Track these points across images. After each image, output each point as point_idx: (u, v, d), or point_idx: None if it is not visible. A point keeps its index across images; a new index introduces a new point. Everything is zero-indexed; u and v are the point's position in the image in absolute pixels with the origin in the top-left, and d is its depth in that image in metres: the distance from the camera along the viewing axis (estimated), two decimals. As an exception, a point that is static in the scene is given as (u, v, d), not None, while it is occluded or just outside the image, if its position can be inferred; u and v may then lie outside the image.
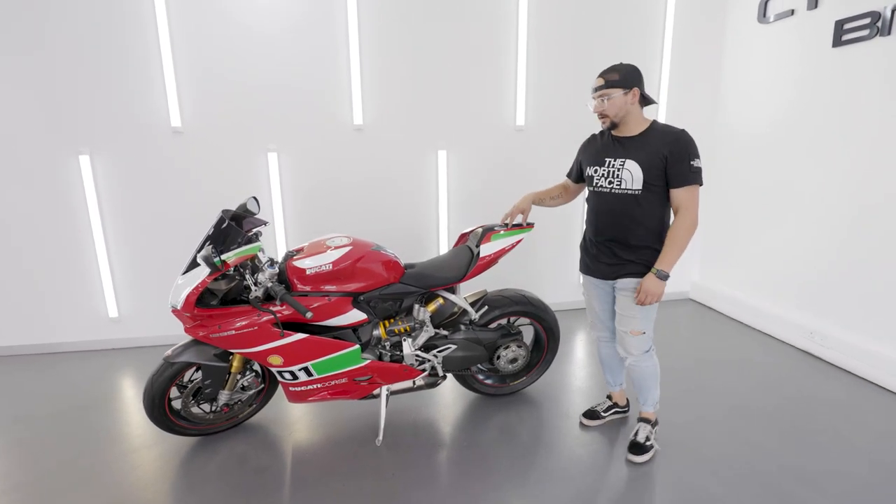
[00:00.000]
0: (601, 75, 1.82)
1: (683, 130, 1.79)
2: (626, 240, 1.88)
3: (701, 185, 1.78)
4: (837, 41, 2.75)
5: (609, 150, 1.89)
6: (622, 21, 3.44)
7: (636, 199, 1.82)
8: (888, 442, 2.15)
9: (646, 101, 1.85)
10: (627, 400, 2.37)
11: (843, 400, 2.50)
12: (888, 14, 2.47)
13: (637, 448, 2.05)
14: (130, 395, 2.65)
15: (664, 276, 1.80)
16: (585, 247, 2.07)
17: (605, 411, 2.32)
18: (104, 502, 1.85)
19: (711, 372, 2.81)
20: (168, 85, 2.94)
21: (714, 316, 3.71)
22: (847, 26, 2.68)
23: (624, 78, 1.79)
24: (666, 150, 1.75)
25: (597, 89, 1.82)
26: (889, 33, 2.49)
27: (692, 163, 1.75)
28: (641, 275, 1.87)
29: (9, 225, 2.97)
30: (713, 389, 2.61)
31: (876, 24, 2.53)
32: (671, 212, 1.87)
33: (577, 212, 3.69)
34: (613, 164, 1.86)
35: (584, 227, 2.09)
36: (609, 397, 2.37)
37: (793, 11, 3.01)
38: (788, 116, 3.10)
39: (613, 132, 1.90)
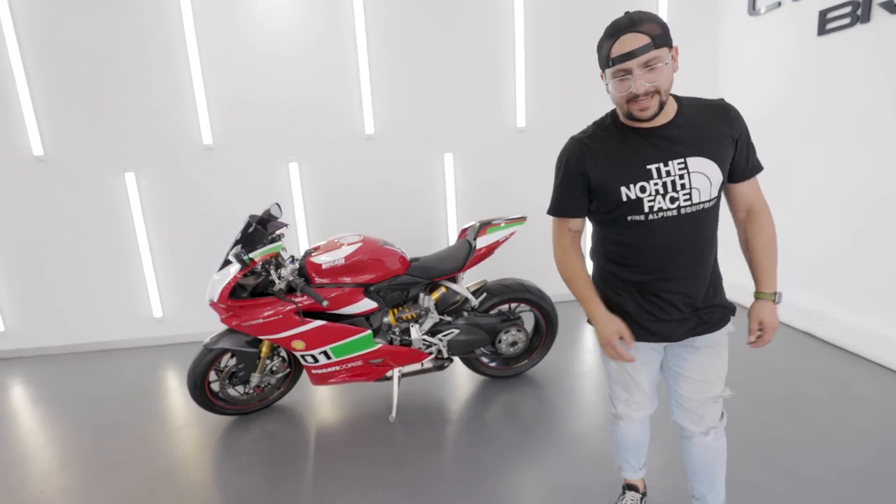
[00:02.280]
0: (635, 28, 1.11)
1: (722, 99, 1.30)
2: (705, 276, 1.31)
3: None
4: (822, 30, 2.84)
5: (649, 152, 1.22)
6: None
7: (709, 213, 1.26)
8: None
9: None
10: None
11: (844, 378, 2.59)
12: (866, 2, 2.57)
13: None
14: (174, 385, 2.98)
15: (779, 298, 1.34)
16: (626, 302, 1.35)
17: None
18: (154, 471, 2.15)
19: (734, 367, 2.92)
20: (200, 108, 3.29)
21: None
22: (830, 15, 2.78)
23: (665, 29, 1.13)
24: (732, 131, 1.22)
25: (634, 53, 1.10)
26: (868, 20, 2.58)
27: (752, 142, 1.29)
28: (727, 319, 1.37)
29: (66, 237, 3.37)
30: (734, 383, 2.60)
31: (856, 13, 2.63)
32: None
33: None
34: (670, 171, 1.20)
35: (606, 271, 1.41)
36: (629, 487, 1.71)
37: (780, 3, 3.12)
38: (784, 105, 3.19)
39: (637, 123, 1.21)
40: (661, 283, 1.29)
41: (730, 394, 1.43)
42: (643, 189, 1.22)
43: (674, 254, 1.26)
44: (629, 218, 1.26)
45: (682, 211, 1.22)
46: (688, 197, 1.21)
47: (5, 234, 3.31)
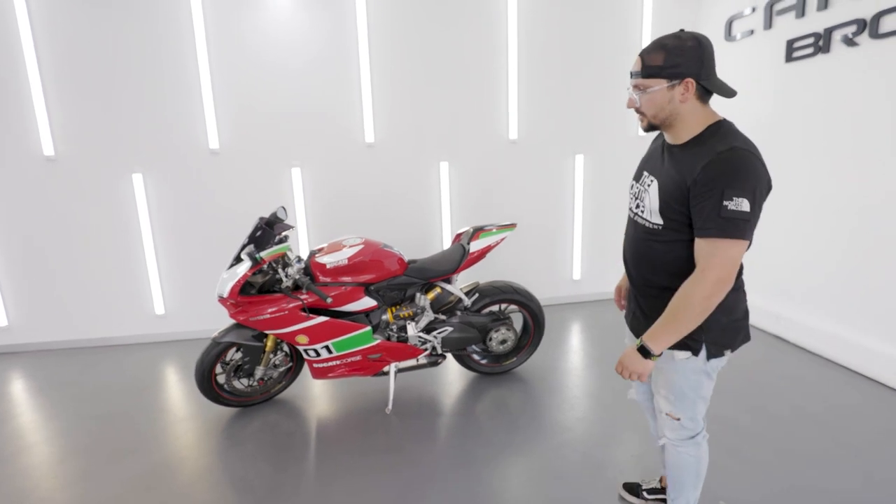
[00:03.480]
0: (642, 53, 1.27)
1: (732, 149, 1.17)
2: (649, 288, 1.41)
3: (737, 238, 1.16)
4: (789, 57, 3.10)
5: (652, 161, 1.40)
6: (603, 44, 3.83)
7: (657, 235, 1.33)
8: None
9: (713, 91, 1.26)
10: None
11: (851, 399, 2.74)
12: (826, 34, 2.82)
13: None
14: (176, 379, 3.09)
15: (646, 353, 1.27)
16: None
17: (648, 493, 1.84)
18: (163, 457, 2.27)
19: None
20: (207, 113, 3.44)
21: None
22: (796, 45, 3.04)
23: (672, 62, 1.21)
24: (689, 178, 1.20)
25: (631, 74, 1.30)
26: (829, 51, 2.83)
27: (725, 203, 1.14)
28: (692, 351, 1.35)
29: (73, 235, 3.48)
30: (728, 391, 2.61)
31: (818, 44, 2.88)
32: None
33: (568, 207, 4.07)
34: (645, 182, 1.37)
35: None
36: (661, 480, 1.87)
37: (752, 31, 3.37)
38: (757, 128, 3.43)
39: (665, 135, 1.37)
40: (628, 273, 1.52)
41: (678, 420, 1.45)
42: (631, 187, 1.47)
43: (630, 251, 1.46)
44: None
45: (637, 219, 1.42)
46: (642, 209, 1.38)
47: (14, 230, 3.41)
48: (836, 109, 2.84)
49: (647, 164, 1.41)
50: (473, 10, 3.65)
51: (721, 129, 1.25)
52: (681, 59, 1.21)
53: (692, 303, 1.20)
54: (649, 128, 1.33)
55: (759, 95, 3.39)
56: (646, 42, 3.88)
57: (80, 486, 2.09)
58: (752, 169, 1.16)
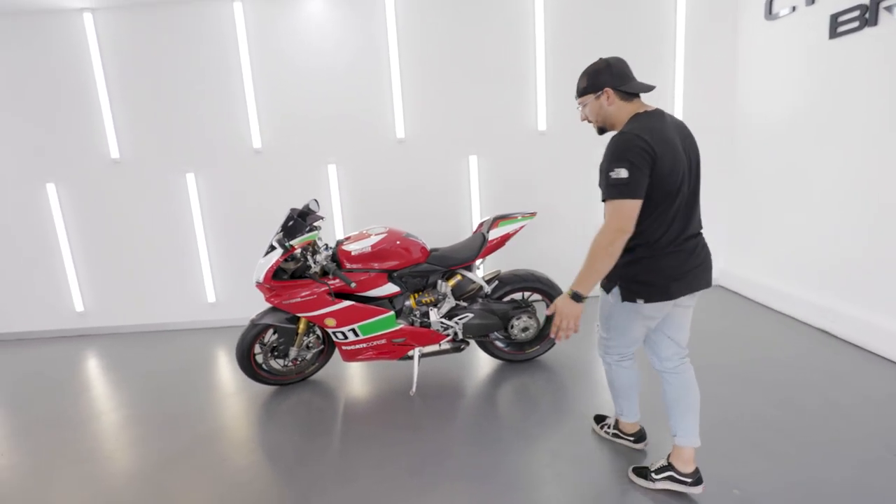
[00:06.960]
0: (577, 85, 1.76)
1: (620, 133, 1.55)
2: None
3: (622, 198, 1.49)
4: (833, 33, 2.91)
5: None
6: (634, 27, 3.76)
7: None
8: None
9: (631, 93, 1.64)
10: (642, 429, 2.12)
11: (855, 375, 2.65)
12: (874, 6, 2.64)
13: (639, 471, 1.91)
14: (224, 361, 3.37)
15: (577, 298, 1.57)
16: None
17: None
18: (209, 428, 2.51)
19: (741, 357, 3.02)
20: (251, 117, 3.72)
21: (742, 301, 3.85)
22: (840, 19, 2.85)
23: (591, 82, 1.67)
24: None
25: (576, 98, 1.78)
26: (876, 24, 2.65)
27: (609, 174, 1.50)
28: (606, 289, 1.76)
29: (136, 229, 3.86)
30: (759, 384, 2.59)
31: (864, 16, 2.70)
32: (660, 224, 1.59)
33: (598, 197, 4.02)
34: None
35: None
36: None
37: (794, 8, 3.20)
38: (800, 106, 3.25)
39: None
40: None
41: (605, 336, 1.87)
42: None
43: None
44: None
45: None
46: None
47: (86, 226, 3.84)
48: (885, 86, 2.65)
49: None
50: (500, 4, 3.70)
51: (635, 119, 1.59)
52: (597, 78, 1.67)
53: (599, 248, 1.53)
54: (600, 131, 1.76)
55: (801, 76, 3.21)
56: (680, 30, 3.77)
57: (139, 449, 2.36)
58: (626, 145, 1.49)
